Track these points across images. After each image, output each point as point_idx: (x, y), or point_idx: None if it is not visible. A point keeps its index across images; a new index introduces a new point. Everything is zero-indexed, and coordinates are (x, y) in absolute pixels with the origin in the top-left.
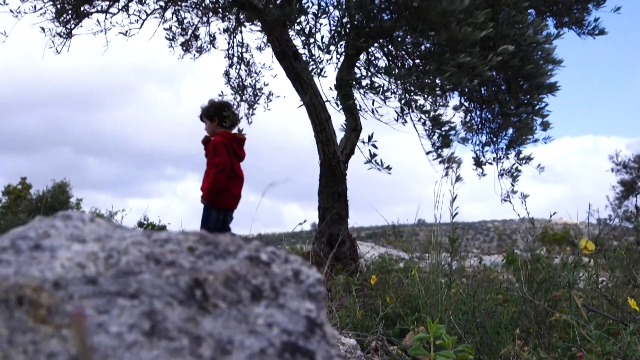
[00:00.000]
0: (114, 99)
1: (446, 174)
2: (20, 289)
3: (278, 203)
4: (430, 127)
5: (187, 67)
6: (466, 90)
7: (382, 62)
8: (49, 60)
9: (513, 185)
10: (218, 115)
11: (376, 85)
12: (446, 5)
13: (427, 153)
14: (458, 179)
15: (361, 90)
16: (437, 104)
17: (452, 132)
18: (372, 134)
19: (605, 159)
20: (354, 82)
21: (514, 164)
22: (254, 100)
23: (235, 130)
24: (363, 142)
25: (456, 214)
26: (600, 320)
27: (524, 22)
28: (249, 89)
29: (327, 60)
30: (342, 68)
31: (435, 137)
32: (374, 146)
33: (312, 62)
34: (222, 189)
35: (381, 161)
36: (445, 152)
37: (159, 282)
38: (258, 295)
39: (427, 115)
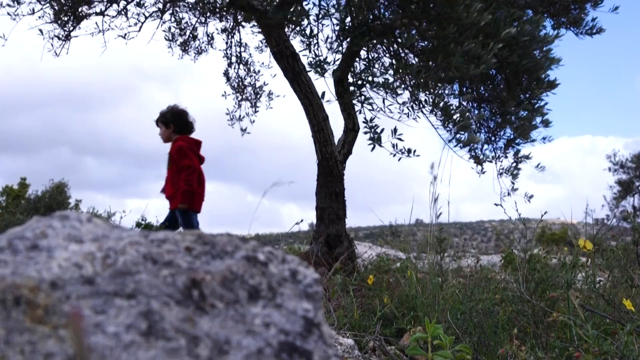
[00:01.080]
0: (113, 100)
1: (476, 162)
2: (17, 289)
3: (276, 203)
4: (443, 118)
5: (186, 67)
6: (470, 80)
7: (386, 60)
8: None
9: (513, 183)
10: (174, 122)
11: (389, 81)
12: None
13: (449, 141)
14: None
15: (374, 89)
16: (442, 97)
17: (468, 114)
18: (396, 127)
19: (603, 159)
20: (366, 81)
21: (512, 162)
22: (256, 98)
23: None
24: (388, 136)
25: (441, 214)
26: (598, 320)
27: (521, 19)
28: (249, 88)
29: (333, 62)
30: (341, 66)
31: (450, 125)
32: (399, 139)
33: (316, 63)
34: (194, 190)
35: (408, 149)
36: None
37: (156, 282)
38: (255, 295)
39: (437, 107)
